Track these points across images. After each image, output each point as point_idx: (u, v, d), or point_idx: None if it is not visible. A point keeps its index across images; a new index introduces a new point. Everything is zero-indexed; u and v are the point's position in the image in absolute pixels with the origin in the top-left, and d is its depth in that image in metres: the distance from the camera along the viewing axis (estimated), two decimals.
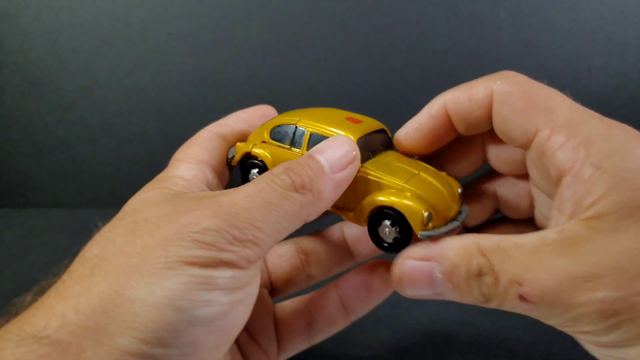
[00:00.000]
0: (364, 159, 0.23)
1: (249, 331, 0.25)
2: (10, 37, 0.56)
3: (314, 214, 0.20)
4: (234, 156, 0.25)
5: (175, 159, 0.23)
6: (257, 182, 0.19)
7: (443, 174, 0.24)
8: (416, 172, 0.23)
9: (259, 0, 0.57)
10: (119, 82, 0.58)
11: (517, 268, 0.18)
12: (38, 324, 0.16)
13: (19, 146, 0.59)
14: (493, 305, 0.19)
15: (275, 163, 0.23)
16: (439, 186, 0.22)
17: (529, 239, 0.19)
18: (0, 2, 0.55)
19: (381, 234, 0.22)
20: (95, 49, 0.57)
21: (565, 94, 0.21)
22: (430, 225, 0.21)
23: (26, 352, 0.15)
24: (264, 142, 0.24)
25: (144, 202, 0.20)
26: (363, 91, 0.60)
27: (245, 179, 0.25)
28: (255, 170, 0.25)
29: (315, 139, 0.23)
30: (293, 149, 0.24)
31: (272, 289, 0.27)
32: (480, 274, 0.19)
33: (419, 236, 0.21)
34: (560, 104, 0.20)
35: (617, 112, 0.61)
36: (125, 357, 0.15)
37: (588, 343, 0.19)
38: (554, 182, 0.20)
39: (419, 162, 0.25)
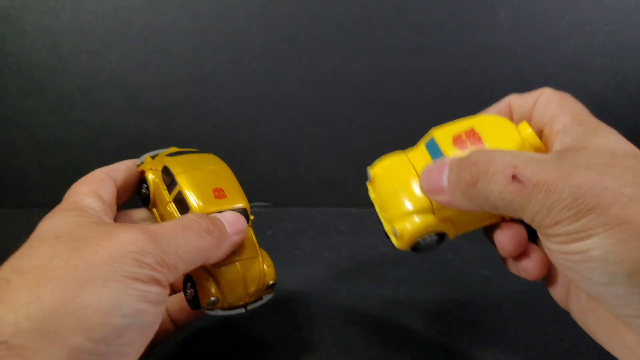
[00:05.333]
0: None
1: None
2: (11, 37, 0.56)
3: (212, 257, 0.25)
4: (142, 163, 0.31)
5: (79, 193, 0.26)
6: (181, 220, 0.25)
7: (267, 261, 0.28)
8: (236, 259, 0.27)
9: (259, 1, 0.57)
10: (119, 83, 0.58)
11: (512, 157, 0.21)
12: None
13: (19, 146, 0.59)
14: (479, 186, 0.22)
15: (154, 192, 0.29)
16: (246, 278, 0.27)
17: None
18: (0, 3, 0.55)
19: (187, 290, 0.27)
20: (96, 49, 0.57)
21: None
22: (213, 307, 0.26)
23: None
24: (156, 170, 0.30)
25: (75, 225, 0.23)
26: (362, 92, 0.60)
27: (139, 189, 0.30)
28: (144, 186, 0.30)
29: (179, 197, 0.28)
30: (166, 192, 0.28)
31: None
32: (474, 164, 0.22)
33: (203, 309, 0.27)
34: (574, 108, 0.25)
35: (615, 111, 0.61)
36: (76, 354, 0.18)
37: (552, 241, 0.21)
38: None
39: (255, 250, 0.29)
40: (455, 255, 0.46)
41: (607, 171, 0.20)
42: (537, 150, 0.25)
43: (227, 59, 0.58)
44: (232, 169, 0.33)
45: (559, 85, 0.26)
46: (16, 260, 0.21)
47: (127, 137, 0.60)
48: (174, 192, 0.28)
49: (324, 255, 0.47)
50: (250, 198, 0.30)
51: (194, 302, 0.27)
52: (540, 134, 0.26)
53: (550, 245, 0.21)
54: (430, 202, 0.25)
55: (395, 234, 0.26)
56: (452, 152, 0.25)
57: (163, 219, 0.29)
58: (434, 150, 0.26)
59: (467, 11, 0.58)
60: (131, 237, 0.21)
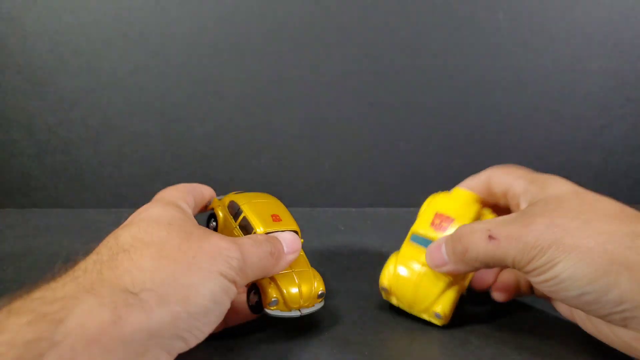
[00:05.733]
0: None
1: None
2: (13, 38, 0.56)
3: (270, 272, 0.30)
4: (209, 203, 0.37)
5: (173, 196, 0.32)
6: (252, 238, 0.29)
7: (317, 276, 0.33)
8: (292, 270, 0.32)
9: (259, 2, 0.57)
10: (120, 83, 0.58)
11: (486, 224, 0.29)
12: (124, 284, 0.23)
13: (20, 147, 0.60)
14: (469, 252, 0.29)
15: (222, 223, 0.35)
16: (300, 285, 0.32)
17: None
18: (2, 4, 0.55)
19: (251, 296, 0.32)
20: (97, 50, 0.57)
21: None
22: (273, 307, 0.31)
23: (121, 300, 0.22)
24: (223, 206, 0.36)
25: (181, 219, 0.28)
26: (362, 92, 0.60)
27: (208, 222, 0.37)
28: (212, 220, 0.37)
29: (244, 222, 0.33)
30: (232, 219, 0.34)
31: None
32: (462, 237, 0.30)
33: (265, 310, 0.31)
34: (521, 173, 0.34)
35: (614, 112, 0.61)
36: (176, 320, 0.23)
37: (532, 275, 0.27)
38: (515, 205, 0.33)
39: (304, 262, 0.34)
40: None
41: (555, 213, 0.27)
42: (476, 201, 0.35)
43: (227, 60, 0.58)
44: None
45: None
46: (136, 232, 0.26)
47: (128, 137, 0.60)
48: (240, 218, 0.34)
49: (324, 255, 0.47)
50: None
51: (256, 306, 0.32)
52: (503, 196, 0.34)
53: (532, 279, 0.27)
54: (448, 277, 0.32)
55: (438, 317, 0.32)
56: (437, 236, 0.33)
57: None
58: (423, 241, 0.34)
59: (466, 12, 0.58)
60: (226, 244, 0.27)
